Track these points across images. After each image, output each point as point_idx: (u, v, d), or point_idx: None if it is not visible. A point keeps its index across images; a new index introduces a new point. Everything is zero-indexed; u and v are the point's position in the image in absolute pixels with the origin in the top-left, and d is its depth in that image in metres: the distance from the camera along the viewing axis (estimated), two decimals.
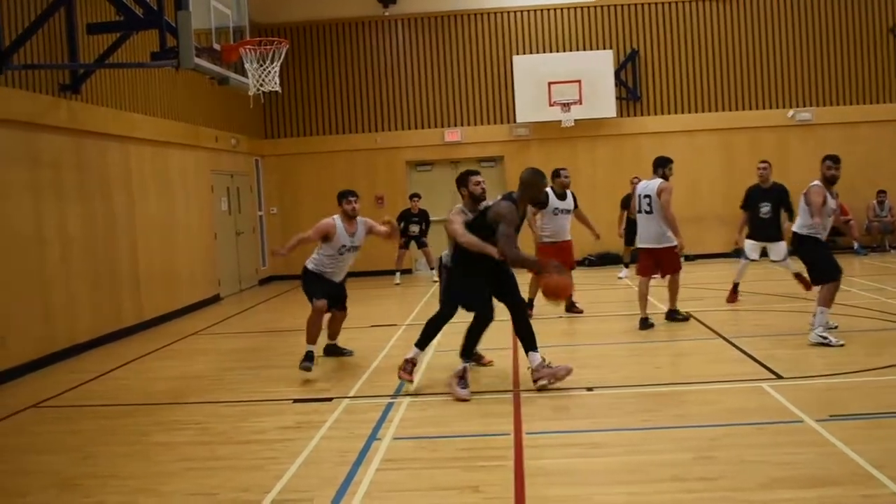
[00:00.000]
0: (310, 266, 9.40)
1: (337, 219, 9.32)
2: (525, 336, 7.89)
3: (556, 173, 12.18)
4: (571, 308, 12.22)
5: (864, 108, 19.52)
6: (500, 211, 7.58)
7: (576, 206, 12.39)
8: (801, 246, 9.27)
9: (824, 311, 9.09)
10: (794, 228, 9.35)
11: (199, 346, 11.57)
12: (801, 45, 19.60)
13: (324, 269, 9.33)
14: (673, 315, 11.26)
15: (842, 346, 8.89)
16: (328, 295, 9.20)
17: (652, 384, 7.85)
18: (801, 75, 19.62)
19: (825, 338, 9.00)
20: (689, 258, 19.21)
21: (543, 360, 7.83)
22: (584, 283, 16.02)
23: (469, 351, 7.98)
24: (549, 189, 11.85)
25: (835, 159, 9.11)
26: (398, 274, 17.85)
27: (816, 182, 9.17)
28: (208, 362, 10.21)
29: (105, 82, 12.46)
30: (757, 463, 5.49)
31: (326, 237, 9.25)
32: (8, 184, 9.92)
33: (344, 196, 9.40)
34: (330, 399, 7.83)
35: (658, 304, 12.10)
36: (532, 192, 7.83)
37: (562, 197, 12.10)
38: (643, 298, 10.88)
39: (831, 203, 9.12)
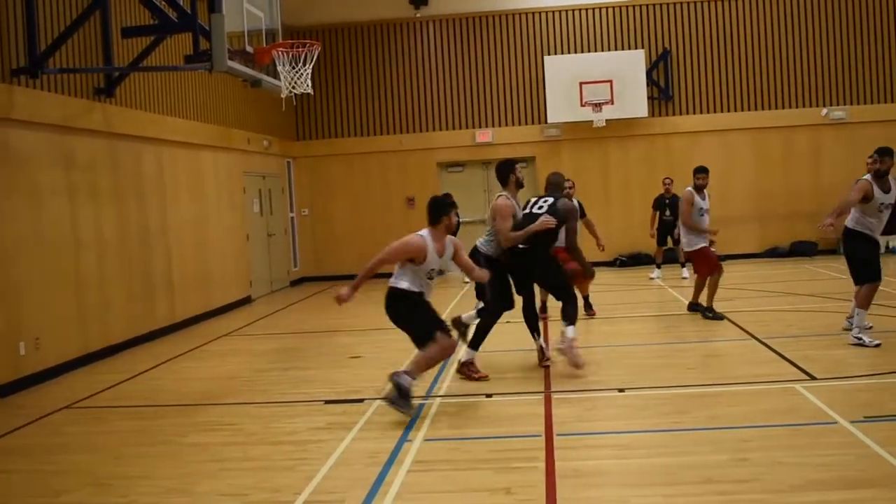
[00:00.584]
0: (402, 285, 7.33)
1: (427, 236, 7.36)
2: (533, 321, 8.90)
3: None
4: (588, 309, 12.16)
5: None
6: (569, 208, 8.65)
7: (583, 214, 12.33)
8: (850, 241, 9.13)
9: (861, 312, 8.97)
10: (846, 223, 9.20)
11: (232, 347, 11.64)
12: (834, 43, 19.36)
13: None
14: (696, 307, 11.63)
15: (877, 346, 8.77)
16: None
17: (684, 385, 7.78)
18: (834, 73, 19.38)
19: (860, 338, 8.88)
20: (720, 258, 19.08)
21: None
22: (616, 284, 15.95)
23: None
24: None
25: (882, 152, 8.87)
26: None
27: (864, 177, 9.02)
28: (240, 363, 10.27)
29: (138, 85, 12.57)
30: (791, 465, 5.42)
31: (413, 259, 7.29)
32: (44, 186, 10.04)
33: (446, 207, 7.45)
34: (361, 400, 7.84)
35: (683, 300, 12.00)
36: (558, 193, 8.90)
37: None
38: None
39: (882, 198, 8.87)
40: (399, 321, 7.39)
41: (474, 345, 8.55)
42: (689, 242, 11.50)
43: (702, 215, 11.47)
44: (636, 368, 8.71)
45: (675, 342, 10.10)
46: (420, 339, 7.30)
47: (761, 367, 8.36)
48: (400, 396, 6.95)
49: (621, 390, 7.70)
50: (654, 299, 13.86)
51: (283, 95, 10.57)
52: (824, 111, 19.28)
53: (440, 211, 7.38)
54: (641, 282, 16.24)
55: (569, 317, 8.41)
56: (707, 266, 11.37)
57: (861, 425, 6.12)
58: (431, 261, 7.25)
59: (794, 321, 10.91)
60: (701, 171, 11.59)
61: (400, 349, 9.98)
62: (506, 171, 8.63)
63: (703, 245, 11.34)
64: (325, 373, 9.22)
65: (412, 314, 7.31)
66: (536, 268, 8.54)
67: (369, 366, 9.47)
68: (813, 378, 7.68)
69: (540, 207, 8.57)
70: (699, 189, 11.49)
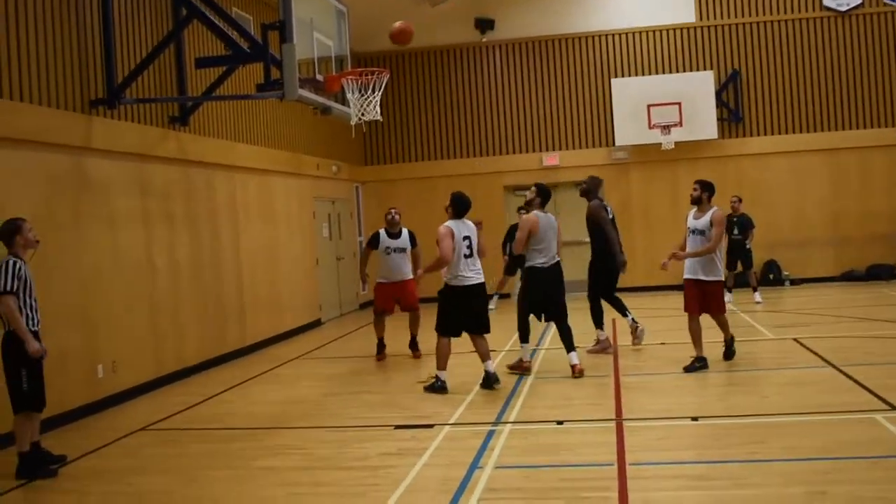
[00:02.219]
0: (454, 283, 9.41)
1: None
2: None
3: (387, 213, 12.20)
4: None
5: None
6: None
7: (413, 244, 12.06)
8: None
9: None
10: None
11: (302, 370, 11.75)
12: None
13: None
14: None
15: None
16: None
17: (759, 414, 7.62)
18: None
19: None
20: (793, 282, 18.73)
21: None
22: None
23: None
24: (381, 230, 11.97)
25: None
26: (496, 298, 17.71)
27: None
28: (311, 387, 10.35)
29: (211, 114, 12.83)
30: (872, 499, 5.27)
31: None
32: (120, 213, 10.29)
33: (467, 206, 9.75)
34: (431, 426, 7.84)
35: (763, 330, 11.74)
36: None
37: (394, 236, 11.92)
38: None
39: None
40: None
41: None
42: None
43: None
44: (709, 396, 8.56)
45: (750, 369, 9.90)
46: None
47: (839, 396, 8.14)
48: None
49: (695, 419, 7.57)
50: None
51: (352, 123, 10.69)
52: None
53: (462, 205, 9.71)
54: None
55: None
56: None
57: None
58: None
59: (872, 348, 10.62)
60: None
61: (465, 373, 9.96)
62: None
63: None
64: (394, 397, 9.24)
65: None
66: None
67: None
68: (893, 408, 7.45)
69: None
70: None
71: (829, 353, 10.27)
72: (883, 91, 19.01)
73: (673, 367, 10.10)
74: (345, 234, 18.97)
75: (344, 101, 10.83)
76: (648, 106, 18.73)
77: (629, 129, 18.89)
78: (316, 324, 16.58)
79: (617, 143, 19.23)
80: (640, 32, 19.64)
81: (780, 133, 19.32)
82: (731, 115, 19.33)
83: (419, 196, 19.93)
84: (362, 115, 10.53)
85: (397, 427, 7.90)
